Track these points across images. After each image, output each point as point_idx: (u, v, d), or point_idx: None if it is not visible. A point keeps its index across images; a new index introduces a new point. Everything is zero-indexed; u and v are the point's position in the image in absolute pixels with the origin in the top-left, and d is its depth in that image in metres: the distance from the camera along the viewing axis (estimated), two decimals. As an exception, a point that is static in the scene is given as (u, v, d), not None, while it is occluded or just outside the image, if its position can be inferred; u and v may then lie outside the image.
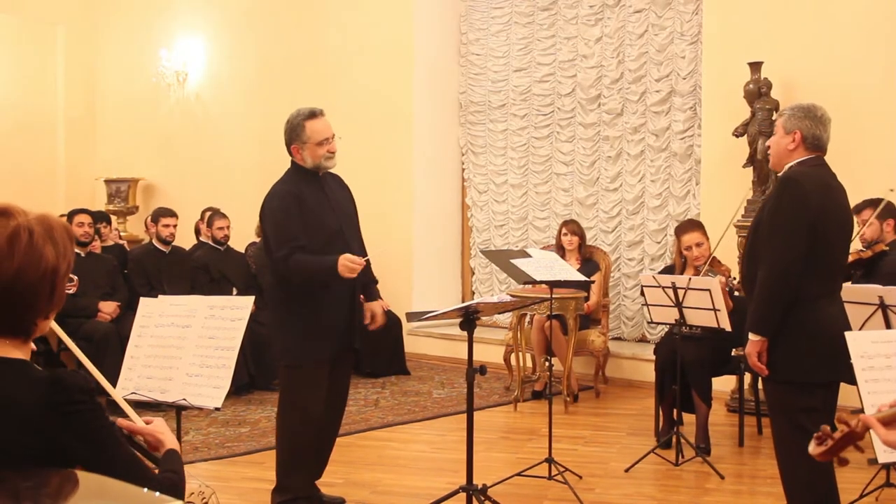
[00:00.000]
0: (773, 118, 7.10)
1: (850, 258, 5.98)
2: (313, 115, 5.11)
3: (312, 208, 5.04)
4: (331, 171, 5.24)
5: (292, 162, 5.18)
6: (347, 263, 4.84)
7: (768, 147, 4.71)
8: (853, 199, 4.46)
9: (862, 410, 3.78)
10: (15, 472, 2.12)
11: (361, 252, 5.18)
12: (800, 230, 4.19)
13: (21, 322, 2.30)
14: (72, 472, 2.15)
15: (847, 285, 5.40)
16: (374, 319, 5.31)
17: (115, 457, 2.31)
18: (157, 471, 2.50)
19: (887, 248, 6.16)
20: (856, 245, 6.06)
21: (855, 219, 6.08)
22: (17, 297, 2.25)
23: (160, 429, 2.63)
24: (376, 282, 5.44)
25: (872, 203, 6.26)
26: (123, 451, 2.35)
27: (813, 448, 2.47)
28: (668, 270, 6.92)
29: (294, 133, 5.09)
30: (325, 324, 5.03)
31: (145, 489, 2.29)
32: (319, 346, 5.04)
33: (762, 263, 4.29)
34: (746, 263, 4.51)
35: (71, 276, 2.40)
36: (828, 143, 4.40)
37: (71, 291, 7.02)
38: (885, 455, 3.71)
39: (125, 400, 2.98)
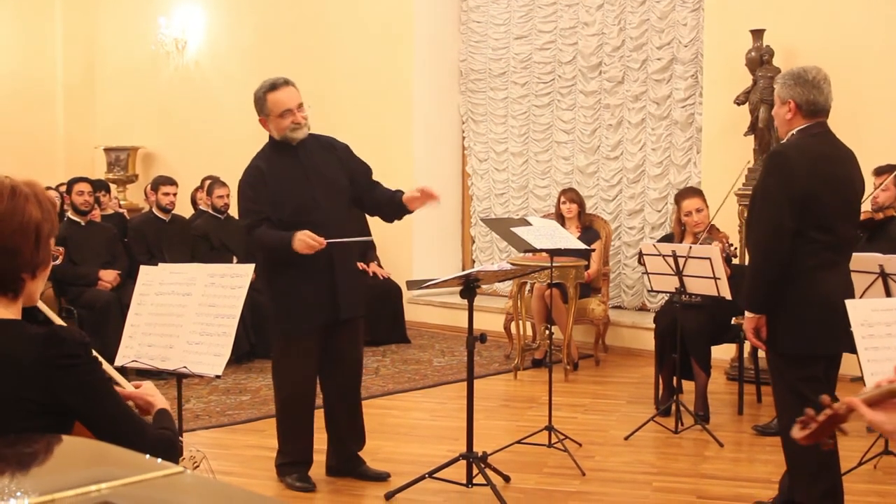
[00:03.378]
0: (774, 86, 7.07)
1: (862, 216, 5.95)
2: (274, 86, 5.08)
3: (281, 180, 5.05)
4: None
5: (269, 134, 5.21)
6: (305, 240, 4.81)
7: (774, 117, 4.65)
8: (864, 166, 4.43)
9: (862, 378, 3.79)
10: (16, 437, 2.14)
11: (342, 222, 5.14)
12: (785, 205, 4.12)
13: (8, 274, 2.34)
14: (60, 436, 2.17)
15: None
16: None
17: (112, 410, 2.37)
18: None
19: None
20: (867, 206, 6.03)
21: (874, 180, 6.09)
22: (2, 246, 2.30)
23: (149, 391, 2.70)
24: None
25: (894, 168, 6.23)
26: (119, 404, 2.41)
27: (796, 432, 2.43)
28: (668, 239, 6.92)
29: (258, 106, 5.13)
30: (304, 293, 5.03)
31: (143, 440, 2.35)
32: (298, 316, 5.06)
33: (751, 241, 4.29)
34: (748, 233, 4.51)
35: (57, 246, 2.45)
36: (829, 104, 4.27)
37: (57, 261, 7.05)
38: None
39: (124, 367, 3.00)
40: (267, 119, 5.10)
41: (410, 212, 5.27)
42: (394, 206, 5.26)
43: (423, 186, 5.17)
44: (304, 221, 4.97)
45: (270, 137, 5.18)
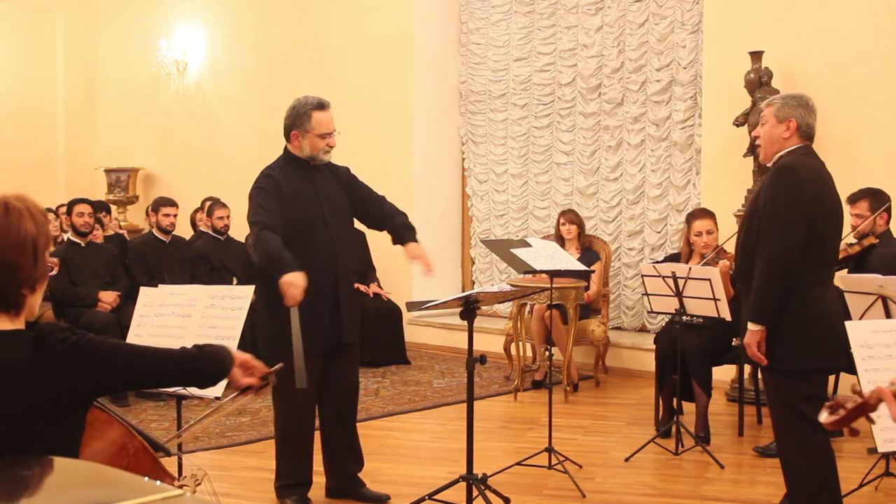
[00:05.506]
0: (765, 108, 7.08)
1: (840, 255, 5.90)
2: (321, 106, 5.09)
3: (293, 195, 5.02)
4: (330, 161, 5.24)
5: (285, 148, 5.17)
6: (291, 283, 4.59)
7: (756, 138, 4.68)
8: (854, 187, 4.48)
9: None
10: (14, 460, 2.14)
11: (346, 245, 5.20)
12: (798, 221, 4.19)
13: (8, 291, 2.34)
14: (58, 458, 2.16)
15: (847, 275, 5.39)
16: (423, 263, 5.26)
17: (130, 356, 2.43)
18: None
19: (877, 241, 6.09)
20: (848, 235, 6.00)
21: (850, 208, 6.03)
22: (1, 264, 2.31)
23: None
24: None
25: (868, 194, 6.12)
26: (132, 347, 2.48)
27: (825, 417, 2.48)
28: (674, 258, 6.92)
29: (298, 120, 5.07)
30: (308, 317, 4.99)
31: (169, 370, 2.49)
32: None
33: (760, 254, 4.29)
34: (741, 254, 4.49)
35: (52, 257, 2.48)
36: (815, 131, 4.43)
37: (53, 272, 7.03)
38: (884, 444, 3.72)
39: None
40: (303, 135, 5.06)
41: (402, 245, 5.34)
42: (398, 235, 5.35)
43: (427, 261, 5.26)
44: (313, 238, 4.98)
45: (286, 151, 5.15)
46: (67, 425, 2.29)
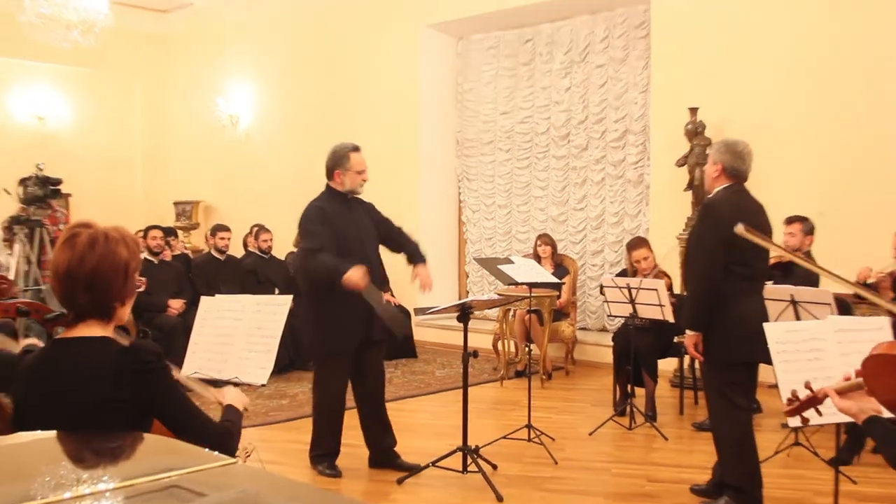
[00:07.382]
0: (707, 151, 7.13)
1: (772, 261, 6.01)
2: (356, 148, 5.11)
3: (336, 221, 5.02)
4: (359, 197, 5.23)
5: (327, 185, 5.14)
6: (351, 277, 4.71)
7: (704, 173, 4.72)
8: (772, 217, 4.47)
9: (777, 386, 3.81)
10: (97, 434, 2.16)
11: (377, 264, 5.16)
12: (717, 247, 4.20)
13: (103, 304, 2.38)
14: (136, 433, 2.18)
15: (766, 286, 5.43)
16: (423, 282, 5.21)
17: (179, 407, 2.40)
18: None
19: (802, 256, 6.19)
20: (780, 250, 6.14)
21: (785, 227, 6.14)
22: (99, 282, 2.35)
23: (225, 395, 2.86)
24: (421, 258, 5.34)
25: (800, 219, 6.29)
26: (186, 403, 2.43)
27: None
28: (623, 273, 6.93)
29: (340, 161, 5.07)
30: (345, 323, 5.02)
31: (205, 432, 2.39)
32: (340, 341, 5.05)
33: (690, 276, 4.36)
34: (685, 272, 4.55)
35: (140, 277, 2.49)
36: (748, 172, 4.39)
37: (141, 289, 7.02)
38: (793, 420, 3.74)
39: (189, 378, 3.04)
40: (344, 173, 5.05)
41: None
42: (411, 257, 5.37)
43: (426, 280, 5.27)
44: (351, 255, 4.93)
45: (328, 187, 5.12)
46: (133, 423, 2.30)
